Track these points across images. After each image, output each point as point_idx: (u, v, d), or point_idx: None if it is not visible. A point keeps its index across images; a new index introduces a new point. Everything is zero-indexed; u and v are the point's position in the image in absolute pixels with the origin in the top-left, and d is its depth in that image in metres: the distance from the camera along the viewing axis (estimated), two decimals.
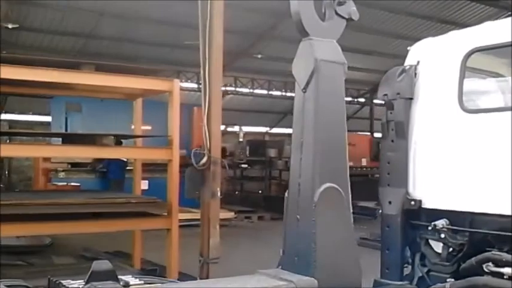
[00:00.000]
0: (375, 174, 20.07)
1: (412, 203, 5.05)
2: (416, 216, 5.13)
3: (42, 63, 6.39)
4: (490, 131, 4.62)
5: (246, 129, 26.51)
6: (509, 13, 15.25)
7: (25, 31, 16.87)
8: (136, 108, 8.32)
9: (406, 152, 5.13)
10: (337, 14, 4.41)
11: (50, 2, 15.53)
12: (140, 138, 8.38)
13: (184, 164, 7.76)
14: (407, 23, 20.31)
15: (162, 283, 5.17)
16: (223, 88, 24.78)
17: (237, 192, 23.85)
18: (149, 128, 10.87)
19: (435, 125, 5.06)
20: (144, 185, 9.21)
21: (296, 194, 4.24)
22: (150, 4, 15.82)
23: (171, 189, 7.36)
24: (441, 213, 4.91)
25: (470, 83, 4.93)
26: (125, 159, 13.77)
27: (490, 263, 4.40)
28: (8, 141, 15.90)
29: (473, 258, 4.54)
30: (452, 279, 4.64)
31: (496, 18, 16.01)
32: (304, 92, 4.28)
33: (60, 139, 9.00)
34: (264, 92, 26.30)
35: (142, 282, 4.74)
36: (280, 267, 4.34)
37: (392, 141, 5.23)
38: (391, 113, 5.22)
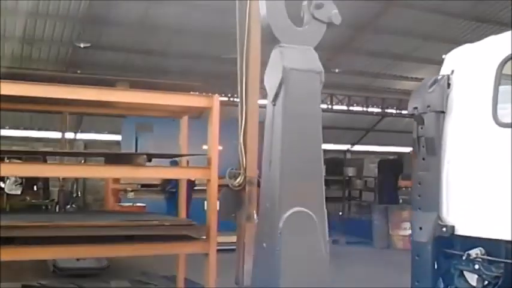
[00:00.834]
0: None
1: (444, 229, 4.53)
2: (450, 245, 4.60)
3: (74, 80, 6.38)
4: None
5: (324, 146, 25.98)
6: None
7: (97, 50, 17.35)
8: (182, 126, 8.15)
9: (437, 172, 4.62)
10: (314, 18, 4.00)
11: (121, 21, 15.83)
12: (190, 157, 8.18)
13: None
14: None
15: None
16: None
17: None
18: (220, 148, 10.62)
19: (470, 142, 4.53)
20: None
21: (264, 219, 3.87)
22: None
23: (210, 211, 7.07)
24: (476, 241, 4.37)
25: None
26: (193, 180, 13.66)
27: None
28: (83, 161, 16.30)
29: None
30: None
31: None
32: (274, 105, 3.91)
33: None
34: (344, 107, 25.66)
35: None
36: None
37: (423, 159, 4.73)
38: (421, 128, 4.73)
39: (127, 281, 9.91)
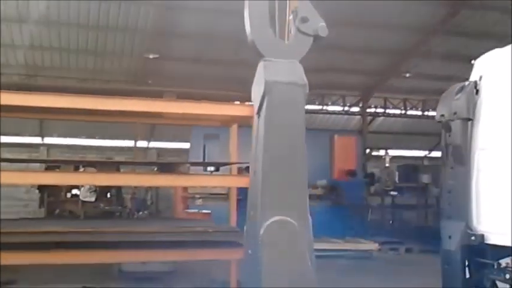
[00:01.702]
0: None
1: (473, 238, 4.40)
2: (483, 254, 4.46)
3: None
4: None
5: (398, 153, 25.37)
6: None
7: (165, 60, 17.91)
8: (231, 134, 8.30)
9: (465, 180, 4.50)
10: (300, 32, 4.00)
11: (188, 32, 16.24)
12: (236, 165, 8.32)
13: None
14: None
15: None
16: (372, 110, 24.44)
17: (391, 222, 22.58)
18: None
19: (500, 150, 4.37)
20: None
21: (249, 226, 3.92)
22: None
23: None
24: (508, 250, 4.22)
25: None
26: None
27: None
28: (155, 169, 16.78)
29: None
30: None
31: None
32: (258, 117, 3.97)
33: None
34: (418, 113, 25.01)
35: None
36: None
37: (451, 167, 4.62)
38: (449, 135, 4.62)
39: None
